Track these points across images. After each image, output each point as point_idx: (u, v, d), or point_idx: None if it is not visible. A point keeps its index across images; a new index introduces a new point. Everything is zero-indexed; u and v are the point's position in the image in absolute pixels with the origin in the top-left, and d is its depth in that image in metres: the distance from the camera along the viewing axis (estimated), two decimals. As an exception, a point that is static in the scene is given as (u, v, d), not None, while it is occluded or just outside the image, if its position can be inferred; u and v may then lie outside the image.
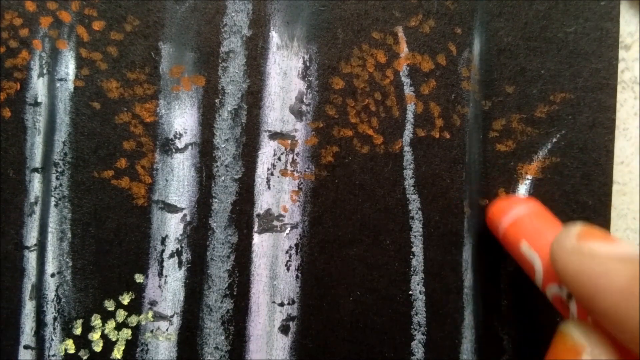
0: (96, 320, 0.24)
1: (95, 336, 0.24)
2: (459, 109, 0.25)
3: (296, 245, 0.25)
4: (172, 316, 0.24)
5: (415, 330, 0.25)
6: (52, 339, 0.24)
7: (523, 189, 0.25)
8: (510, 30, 0.25)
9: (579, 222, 0.19)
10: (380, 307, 0.25)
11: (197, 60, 0.24)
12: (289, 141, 0.25)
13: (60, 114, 0.24)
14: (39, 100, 0.24)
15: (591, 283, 0.16)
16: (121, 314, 0.24)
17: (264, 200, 0.25)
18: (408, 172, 0.25)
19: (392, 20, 0.25)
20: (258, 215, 0.25)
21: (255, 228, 0.25)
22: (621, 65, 0.26)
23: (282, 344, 0.25)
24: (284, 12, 0.24)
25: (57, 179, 0.24)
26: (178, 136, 0.24)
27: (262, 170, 0.25)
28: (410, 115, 0.25)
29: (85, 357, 0.24)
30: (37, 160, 0.24)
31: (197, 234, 0.24)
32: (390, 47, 0.25)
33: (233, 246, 0.24)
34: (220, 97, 0.24)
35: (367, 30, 0.25)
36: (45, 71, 0.24)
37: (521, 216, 0.22)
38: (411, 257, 0.25)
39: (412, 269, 0.25)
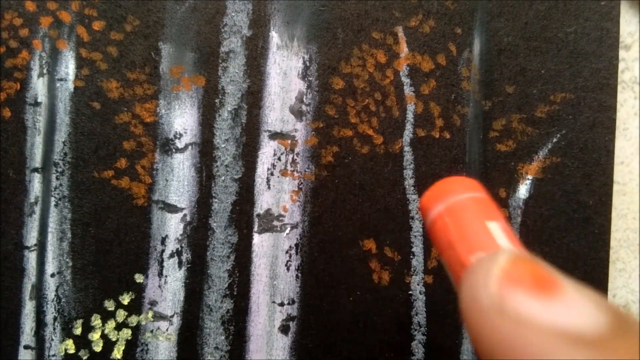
0: (96, 320, 0.24)
1: (95, 336, 0.24)
2: (459, 109, 0.25)
3: (296, 245, 0.25)
4: (172, 316, 0.24)
5: (415, 330, 0.25)
6: (52, 339, 0.24)
7: (523, 189, 0.25)
8: (510, 30, 0.25)
9: (502, 253, 0.12)
10: (380, 307, 0.25)
11: (197, 60, 0.24)
12: (289, 141, 0.25)
13: (60, 114, 0.24)
14: (39, 100, 0.24)
15: None
16: (121, 314, 0.24)
17: (264, 200, 0.25)
18: (408, 172, 0.25)
19: (392, 20, 0.25)
20: (258, 215, 0.25)
21: (255, 228, 0.25)
22: (621, 65, 0.26)
23: (282, 344, 0.25)
24: (284, 12, 0.24)
25: (57, 179, 0.24)
26: (178, 136, 0.24)
27: (262, 170, 0.25)
28: (410, 115, 0.25)
29: (85, 357, 0.24)
30: (37, 160, 0.24)
31: (197, 234, 0.24)
32: (390, 47, 0.25)
33: (233, 246, 0.24)
34: (220, 97, 0.24)
35: (367, 30, 0.25)
36: (45, 71, 0.24)
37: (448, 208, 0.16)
38: (411, 257, 0.25)
39: (412, 269, 0.25)
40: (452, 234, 0.15)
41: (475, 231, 0.15)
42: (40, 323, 0.24)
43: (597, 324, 0.11)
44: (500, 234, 0.15)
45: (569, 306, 0.11)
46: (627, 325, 0.11)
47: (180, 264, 0.24)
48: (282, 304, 0.25)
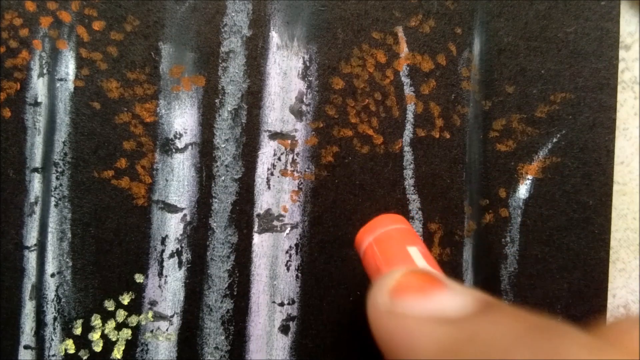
0: (96, 320, 0.24)
1: (95, 336, 0.24)
2: (459, 109, 0.25)
3: (296, 245, 0.25)
4: (172, 316, 0.24)
5: (415, 330, 0.25)
6: (52, 339, 0.24)
7: (523, 189, 0.25)
8: (510, 30, 0.25)
9: (399, 270, 0.16)
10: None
11: (197, 60, 0.24)
12: (289, 141, 0.25)
13: (60, 114, 0.24)
14: (39, 100, 0.24)
15: (402, 349, 0.13)
16: (121, 314, 0.24)
17: (264, 200, 0.25)
18: (408, 172, 0.25)
19: (392, 20, 0.25)
20: (258, 215, 0.25)
21: (255, 228, 0.25)
22: (621, 65, 0.26)
23: (282, 344, 0.25)
24: (284, 12, 0.24)
25: (57, 179, 0.24)
26: (178, 136, 0.24)
27: (262, 170, 0.25)
28: (410, 115, 0.25)
29: (85, 357, 0.24)
30: (37, 160, 0.24)
31: (197, 234, 0.24)
32: (390, 47, 0.25)
33: (233, 246, 0.24)
34: (220, 97, 0.24)
35: (367, 30, 0.25)
36: (45, 71, 0.24)
37: (376, 239, 0.19)
38: (411, 257, 0.25)
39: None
40: (379, 260, 0.18)
41: (397, 255, 0.18)
42: (40, 323, 0.24)
43: (462, 308, 0.13)
44: (417, 256, 0.18)
45: (442, 300, 0.14)
46: (489, 308, 0.13)
47: (180, 264, 0.24)
48: (282, 304, 0.25)
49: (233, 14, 0.24)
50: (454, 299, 0.14)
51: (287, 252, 0.25)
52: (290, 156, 0.25)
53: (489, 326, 0.12)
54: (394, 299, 0.14)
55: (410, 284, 0.15)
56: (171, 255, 0.24)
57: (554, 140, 0.25)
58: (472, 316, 0.13)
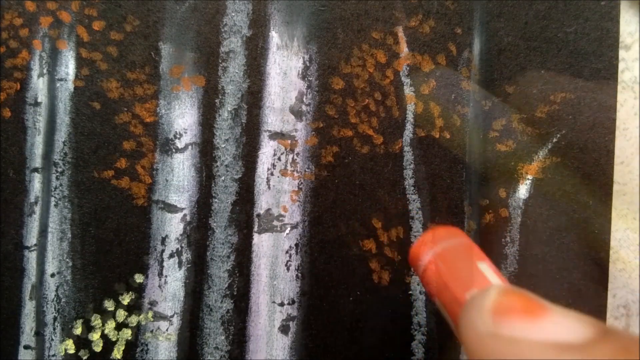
0: (96, 320, 0.24)
1: (95, 336, 0.24)
2: (459, 109, 0.25)
3: (296, 245, 0.25)
4: (172, 316, 0.24)
5: (415, 330, 0.25)
6: (52, 339, 0.24)
7: (523, 189, 0.25)
8: (510, 30, 0.25)
9: (492, 289, 0.15)
10: (380, 307, 0.25)
11: (197, 60, 0.24)
12: (289, 141, 0.25)
13: (60, 114, 0.24)
14: (39, 100, 0.24)
15: None
16: (121, 314, 0.24)
17: (264, 200, 0.25)
18: (408, 172, 0.25)
19: (392, 20, 0.25)
20: (258, 215, 0.25)
21: (255, 228, 0.25)
22: (621, 65, 0.26)
23: (282, 344, 0.25)
24: (284, 12, 0.24)
25: (57, 179, 0.24)
26: (178, 136, 0.24)
27: (262, 170, 0.25)
28: (410, 115, 0.25)
29: (85, 357, 0.24)
30: (37, 160, 0.24)
31: (197, 234, 0.24)
32: (390, 47, 0.25)
33: (233, 246, 0.24)
34: (220, 97, 0.24)
35: (367, 30, 0.25)
36: (45, 71, 0.24)
37: (439, 254, 0.18)
38: (411, 257, 0.25)
39: (412, 269, 0.25)
40: (446, 276, 0.17)
41: (468, 271, 0.17)
42: (40, 323, 0.24)
43: (582, 334, 0.13)
44: (490, 272, 0.17)
45: (555, 324, 0.13)
46: (608, 334, 0.13)
47: (180, 264, 0.24)
48: (282, 304, 0.25)
49: (233, 14, 0.24)
50: (569, 323, 0.13)
51: (287, 252, 0.25)
52: (290, 156, 0.25)
53: (613, 354, 0.12)
54: (497, 322, 0.13)
55: (513, 305, 0.14)
56: (171, 255, 0.24)
57: (554, 140, 0.25)
58: (593, 343, 0.13)
